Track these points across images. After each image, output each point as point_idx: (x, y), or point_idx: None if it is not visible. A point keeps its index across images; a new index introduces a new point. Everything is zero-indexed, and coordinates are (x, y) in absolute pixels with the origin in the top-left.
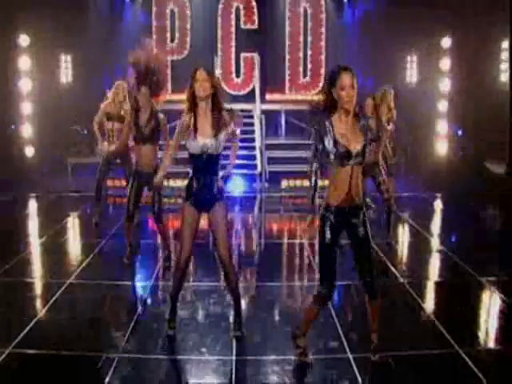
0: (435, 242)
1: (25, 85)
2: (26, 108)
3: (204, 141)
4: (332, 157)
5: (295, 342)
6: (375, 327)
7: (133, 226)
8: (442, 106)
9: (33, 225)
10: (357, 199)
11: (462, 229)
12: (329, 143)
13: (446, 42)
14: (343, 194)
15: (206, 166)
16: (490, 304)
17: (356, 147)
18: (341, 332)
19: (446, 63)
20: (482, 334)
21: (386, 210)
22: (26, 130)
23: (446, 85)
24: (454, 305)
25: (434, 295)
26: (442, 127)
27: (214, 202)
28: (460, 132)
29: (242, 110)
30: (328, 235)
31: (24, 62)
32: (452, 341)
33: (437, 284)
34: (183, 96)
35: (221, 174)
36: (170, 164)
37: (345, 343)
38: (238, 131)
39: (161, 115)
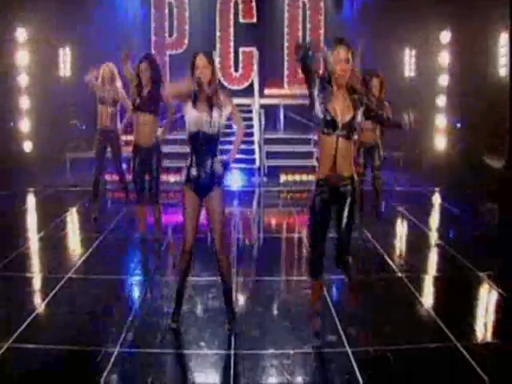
0: (433, 236)
1: (23, 79)
2: (24, 103)
3: (200, 114)
4: (319, 121)
5: (311, 323)
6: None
7: (143, 208)
8: (441, 100)
9: (31, 220)
10: (344, 173)
11: (461, 223)
12: (320, 106)
13: (445, 35)
14: (328, 168)
15: (203, 146)
16: (488, 298)
17: (344, 118)
18: (339, 326)
19: (444, 57)
20: (479, 328)
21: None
22: (25, 125)
23: (444, 79)
24: (452, 299)
25: (432, 289)
26: (441, 121)
27: (211, 186)
28: (458, 125)
29: (241, 105)
30: (317, 202)
31: (22, 57)
32: (450, 335)
33: (435, 278)
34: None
35: (220, 158)
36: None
37: (343, 337)
38: (238, 114)
39: (163, 85)
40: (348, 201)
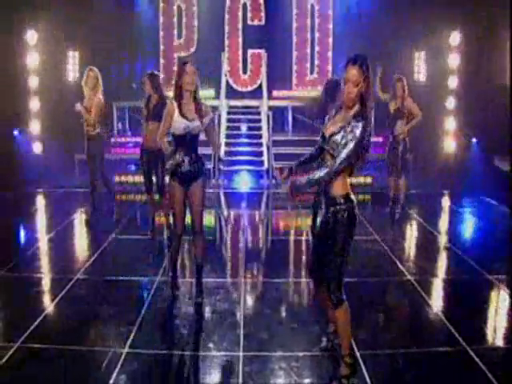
0: (443, 240)
1: (33, 81)
2: (34, 105)
3: (187, 123)
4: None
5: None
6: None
7: (154, 197)
8: (450, 102)
9: (41, 220)
10: (328, 191)
11: (470, 226)
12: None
13: (455, 37)
14: None
15: (187, 144)
16: (498, 302)
17: (330, 133)
18: None
19: (454, 59)
20: (490, 332)
21: None
22: (34, 127)
23: (454, 81)
24: (462, 302)
25: (442, 293)
26: (450, 124)
27: (196, 176)
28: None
29: (249, 107)
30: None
31: (32, 59)
32: (460, 338)
33: (444, 281)
34: None
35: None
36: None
37: (352, 340)
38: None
39: (168, 99)
40: (322, 227)
